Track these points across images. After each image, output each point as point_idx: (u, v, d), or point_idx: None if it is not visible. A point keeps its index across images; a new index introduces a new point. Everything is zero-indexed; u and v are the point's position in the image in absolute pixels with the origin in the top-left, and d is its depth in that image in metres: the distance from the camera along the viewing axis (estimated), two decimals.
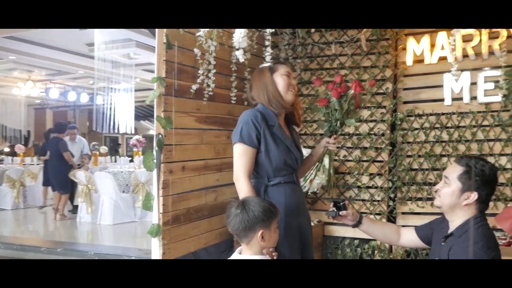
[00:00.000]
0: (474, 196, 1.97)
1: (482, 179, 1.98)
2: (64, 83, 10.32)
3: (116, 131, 9.02)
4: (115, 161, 9.61)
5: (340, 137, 2.53)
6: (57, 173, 7.40)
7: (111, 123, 8.77)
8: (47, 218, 7.83)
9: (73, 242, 5.95)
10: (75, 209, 7.71)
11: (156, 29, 3.13)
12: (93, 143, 9.24)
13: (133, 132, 9.53)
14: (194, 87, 3.26)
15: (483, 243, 1.88)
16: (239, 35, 2.81)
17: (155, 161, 3.10)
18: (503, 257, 1.98)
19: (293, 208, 2.33)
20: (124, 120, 8.86)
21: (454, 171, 2.03)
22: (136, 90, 9.34)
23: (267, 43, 3.86)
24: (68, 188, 7.44)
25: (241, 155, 2.28)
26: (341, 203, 2.34)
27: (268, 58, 4.01)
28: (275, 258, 2.11)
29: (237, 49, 2.79)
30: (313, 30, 3.89)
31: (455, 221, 2.03)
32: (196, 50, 3.19)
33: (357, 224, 2.43)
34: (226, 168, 3.78)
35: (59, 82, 10.17)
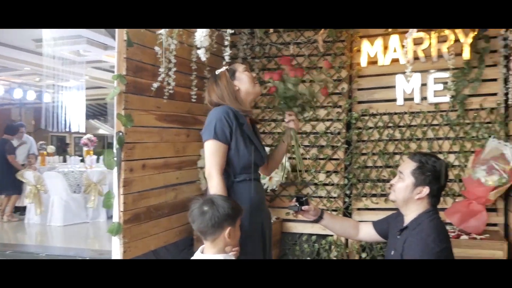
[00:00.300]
0: (426, 190, 2.09)
1: (434, 175, 2.10)
2: (9, 80, 9.89)
3: (67, 129, 8.76)
4: (64, 161, 9.29)
5: (295, 116, 2.55)
6: (4, 175, 7.13)
7: (62, 122, 8.51)
8: None
9: (23, 244, 5.76)
10: (23, 210, 7.44)
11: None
12: (40, 142, 8.92)
13: (83, 131, 9.28)
14: (155, 85, 3.25)
15: (435, 236, 2.00)
16: (201, 34, 2.83)
17: (115, 159, 3.06)
18: (453, 249, 2.11)
19: (257, 204, 2.38)
20: (75, 119, 8.62)
21: (407, 166, 2.15)
22: (86, 88, 9.11)
23: (226, 42, 3.91)
24: (17, 188, 7.19)
25: (214, 152, 2.27)
26: (304, 199, 2.41)
27: (227, 57, 4.06)
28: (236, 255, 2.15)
29: (199, 48, 2.82)
30: (271, 30, 3.96)
31: (409, 215, 2.15)
32: (157, 48, 3.19)
33: (318, 219, 2.51)
34: (186, 166, 3.79)
35: (3, 79, 9.75)
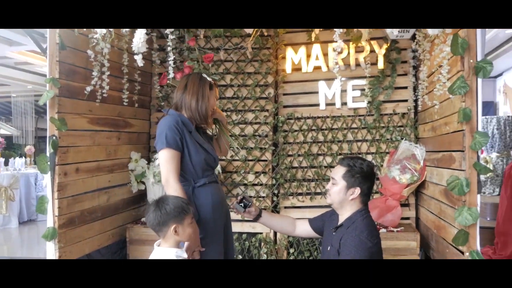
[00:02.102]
0: (357, 191, 2.36)
1: (362, 175, 2.38)
2: None
3: None
4: None
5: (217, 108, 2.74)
6: None
7: None
8: None
9: None
10: None
11: (48, 29, 3.05)
12: None
13: None
14: (89, 88, 3.24)
15: (367, 232, 2.27)
16: (139, 40, 2.90)
17: (49, 163, 3.03)
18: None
19: (218, 205, 2.52)
20: None
21: (338, 171, 2.41)
22: None
23: (155, 45, 3.98)
24: None
25: (169, 160, 2.36)
26: (249, 203, 2.61)
27: (157, 61, 4.13)
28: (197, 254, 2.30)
29: (137, 54, 2.87)
30: (201, 35, 4.05)
31: (344, 214, 2.41)
32: (89, 52, 3.19)
33: (257, 218, 2.70)
34: (117, 169, 3.81)
35: None
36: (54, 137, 3.04)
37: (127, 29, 3.20)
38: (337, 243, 2.31)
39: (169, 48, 3.06)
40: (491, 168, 6.41)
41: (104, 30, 2.93)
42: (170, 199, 2.17)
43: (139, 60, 2.88)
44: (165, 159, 2.37)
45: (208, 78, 2.57)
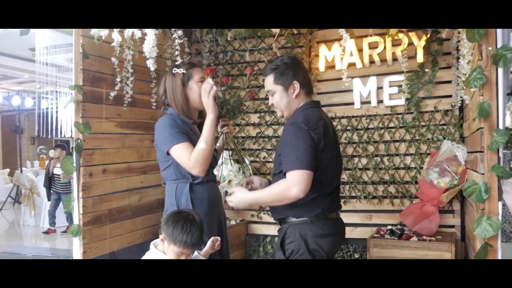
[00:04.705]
0: (296, 84, 2.18)
1: (291, 68, 2.19)
2: (7, 88, 10.20)
3: (63, 135, 8.98)
4: None
5: (229, 121, 2.68)
6: None
7: (56, 127, 8.74)
8: None
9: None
10: None
11: (73, 39, 3.25)
12: (40, 147, 9.19)
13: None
14: (113, 94, 3.40)
15: (302, 118, 2.09)
16: (148, 46, 2.98)
17: (74, 164, 3.23)
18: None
19: (214, 204, 2.51)
20: (68, 124, 8.84)
21: (268, 82, 2.24)
22: None
23: (187, 50, 4.04)
24: None
25: (184, 152, 2.33)
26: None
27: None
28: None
29: (148, 59, 2.96)
30: (229, 37, 4.05)
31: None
32: (113, 59, 3.34)
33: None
34: (151, 170, 3.94)
35: (4, 87, 10.06)
36: (78, 140, 3.23)
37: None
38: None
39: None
40: None
41: (125, 36, 3.04)
42: (170, 213, 2.17)
43: (151, 64, 2.97)
44: (179, 154, 2.34)
45: (179, 70, 2.48)
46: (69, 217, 6.72)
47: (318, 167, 2.05)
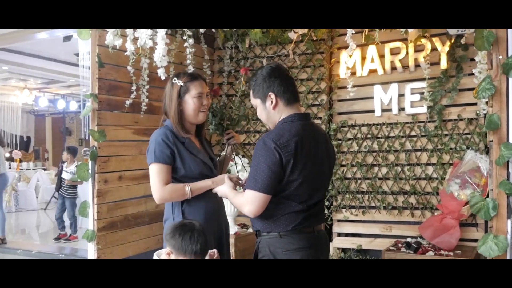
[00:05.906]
0: (272, 96, 2.09)
1: (266, 80, 2.10)
2: (55, 92, 10.68)
3: None
4: None
5: (233, 133, 2.67)
6: None
7: None
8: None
9: None
10: None
11: (90, 49, 3.35)
12: (84, 149, 9.53)
13: None
14: (128, 102, 3.46)
15: (275, 134, 2.01)
16: (159, 55, 3.01)
17: (89, 171, 3.31)
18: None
19: (211, 214, 2.49)
20: None
21: (251, 95, 2.20)
22: None
23: (206, 57, 4.06)
24: None
25: (157, 174, 2.40)
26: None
27: (208, 72, 4.21)
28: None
29: (159, 68, 2.98)
30: (247, 44, 4.03)
31: None
32: (129, 68, 3.40)
33: None
34: None
35: (52, 91, 10.54)
36: (94, 147, 3.31)
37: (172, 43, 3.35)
38: None
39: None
40: None
41: (138, 45, 3.09)
42: (171, 225, 2.18)
43: (161, 74, 2.99)
44: (154, 173, 2.41)
45: (177, 81, 2.47)
46: (73, 224, 6.93)
47: (285, 188, 2.01)
